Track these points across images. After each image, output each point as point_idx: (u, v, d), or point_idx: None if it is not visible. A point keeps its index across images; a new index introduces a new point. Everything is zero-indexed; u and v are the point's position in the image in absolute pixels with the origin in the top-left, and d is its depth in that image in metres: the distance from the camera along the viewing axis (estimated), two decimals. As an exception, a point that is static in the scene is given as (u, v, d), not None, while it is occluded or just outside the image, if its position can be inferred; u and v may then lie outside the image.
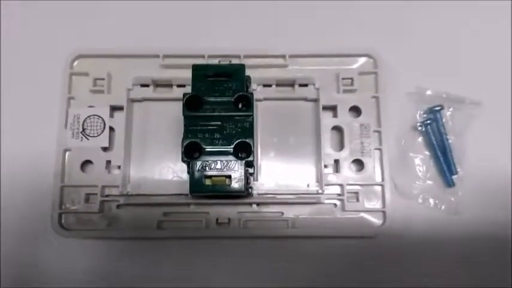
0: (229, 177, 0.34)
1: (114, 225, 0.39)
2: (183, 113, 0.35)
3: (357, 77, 0.41)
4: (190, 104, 0.35)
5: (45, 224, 0.38)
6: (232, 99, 0.35)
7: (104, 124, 0.40)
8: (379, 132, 0.40)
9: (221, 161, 0.34)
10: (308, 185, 0.40)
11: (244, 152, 0.35)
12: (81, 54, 0.41)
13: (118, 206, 0.39)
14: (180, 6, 0.43)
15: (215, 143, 0.35)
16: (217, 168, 0.34)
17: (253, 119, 0.35)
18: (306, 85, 0.41)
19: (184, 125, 0.35)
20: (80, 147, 0.39)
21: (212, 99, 0.35)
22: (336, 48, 0.42)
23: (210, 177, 0.34)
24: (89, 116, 0.40)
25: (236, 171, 0.34)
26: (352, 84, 0.41)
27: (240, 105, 0.36)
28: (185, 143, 0.34)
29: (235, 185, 0.34)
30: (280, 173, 0.40)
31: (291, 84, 0.41)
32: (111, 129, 0.40)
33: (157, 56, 0.41)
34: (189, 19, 0.43)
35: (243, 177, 0.34)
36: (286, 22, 0.43)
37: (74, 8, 0.44)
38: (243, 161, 0.34)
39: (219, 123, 0.35)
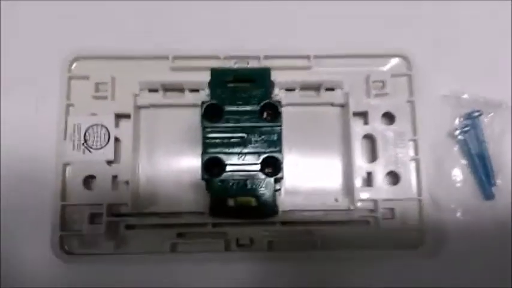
0: (256, 197, 0.29)
1: (122, 248, 0.34)
2: (202, 124, 0.29)
3: (389, 79, 0.35)
4: (210, 113, 0.30)
5: (45, 248, 0.33)
6: (258, 108, 0.29)
7: (109, 134, 0.34)
8: (414, 140, 0.35)
9: (246, 178, 0.29)
10: (337, 200, 0.34)
11: (272, 167, 0.29)
12: (80, 55, 0.35)
13: (127, 227, 0.34)
14: (191, 2, 0.37)
15: (239, 157, 0.29)
16: (242, 187, 0.29)
17: (281, 130, 0.30)
18: (332, 89, 0.36)
19: (203, 138, 0.30)
20: (82, 161, 0.34)
21: (234, 108, 0.30)
22: (365, 48, 0.36)
23: (234, 196, 0.29)
24: (91, 126, 0.34)
25: (264, 190, 0.29)
26: (383, 87, 0.35)
27: (265, 115, 0.30)
28: (205, 159, 0.29)
29: (266, 206, 0.29)
30: (305, 187, 0.35)
31: (316, 88, 0.36)
32: (117, 139, 0.34)
33: (166, 58, 0.35)
34: (202, 16, 0.37)
35: (273, 196, 0.28)
36: (310, 19, 0.38)
37: (73, 4, 0.37)
38: (272, 178, 0.29)
39: (243, 135, 0.30)
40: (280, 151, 0.29)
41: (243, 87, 0.30)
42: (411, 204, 0.35)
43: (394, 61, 0.36)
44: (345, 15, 0.38)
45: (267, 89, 0.30)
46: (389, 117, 0.36)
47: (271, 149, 0.29)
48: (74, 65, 0.36)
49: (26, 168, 0.35)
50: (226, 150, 0.29)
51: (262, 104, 0.29)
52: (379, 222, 0.34)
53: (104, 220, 0.33)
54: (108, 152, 0.34)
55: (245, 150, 0.29)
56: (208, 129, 0.29)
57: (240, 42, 0.36)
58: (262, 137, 0.29)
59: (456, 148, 0.37)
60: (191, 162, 0.35)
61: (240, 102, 0.29)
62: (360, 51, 0.36)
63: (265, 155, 0.29)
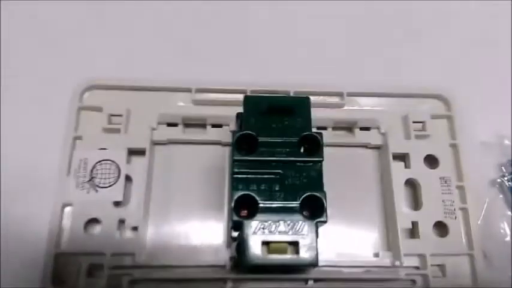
0: (296, 243, 0.24)
1: (125, 307, 0.27)
2: (233, 157, 0.25)
3: (429, 120, 0.32)
4: (242, 145, 0.25)
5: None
6: (296, 140, 0.25)
7: (119, 172, 0.29)
8: (461, 187, 0.31)
9: (284, 221, 0.24)
10: (378, 255, 0.29)
11: (313, 209, 0.25)
12: (94, 84, 0.32)
13: (131, 282, 0.28)
14: (216, 32, 0.35)
15: (274, 196, 0.25)
16: (279, 231, 0.24)
17: (322, 166, 0.26)
18: (367, 129, 0.32)
19: (233, 173, 0.25)
20: (85, 201, 0.29)
21: (270, 139, 0.26)
22: (401, 87, 0.33)
23: (268, 243, 0.24)
24: (99, 161, 0.30)
25: (305, 235, 0.24)
26: (424, 129, 0.32)
27: (302, 149, 0.26)
28: (237, 195, 0.24)
29: (306, 254, 0.24)
30: (339, 238, 0.30)
31: (349, 128, 0.33)
32: (128, 178, 0.30)
33: (188, 90, 0.32)
34: (228, 46, 0.35)
35: (315, 243, 0.24)
36: (343, 54, 0.35)
37: (88, 28, 0.35)
38: (314, 222, 0.24)
39: (279, 171, 0.25)
40: (322, 189, 0.24)
41: (280, 117, 0.26)
42: (462, 260, 0.30)
43: (433, 102, 0.33)
44: (379, 52, 0.35)
45: (308, 119, 0.26)
46: (432, 161, 0.32)
47: (312, 187, 0.24)
48: (86, 94, 0.32)
49: (20, 208, 0.29)
50: (260, 187, 0.24)
51: (302, 135, 0.25)
52: (428, 281, 0.29)
53: (106, 273, 0.27)
54: (117, 192, 0.29)
55: (282, 188, 0.24)
56: (240, 163, 0.25)
57: (268, 76, 0.33)
58: (301, 173, 0.25)
59: (501, 197, 0.33)
60: (211, 207, 0.30)
61: (276, 134, 0.25)
62: (396, 90, 0.33)
63: (305, 194, 0.24)
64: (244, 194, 0.24)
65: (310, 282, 0.29)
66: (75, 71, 0.32)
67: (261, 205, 0.24)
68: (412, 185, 0.31)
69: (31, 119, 0.32)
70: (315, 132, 0.26)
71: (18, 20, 0.35)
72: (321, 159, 0.25)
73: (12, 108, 0.32)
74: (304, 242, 0.24)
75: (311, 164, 0.25)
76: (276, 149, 0.25)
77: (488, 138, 0.34)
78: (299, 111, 0.26)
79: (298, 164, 0.25)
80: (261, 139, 0.25)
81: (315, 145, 0.26)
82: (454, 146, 0.32)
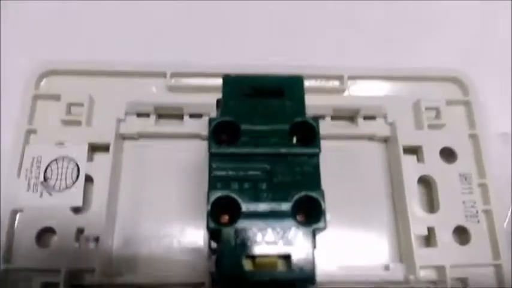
0: (287, 256, 0.19)
1: (83, 335, 0.22)
2: (210, 149, 0.20)
3: (444, 107, 0.27)
4: (221, 134, 0.21)
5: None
6: (287, 128, 0.21)
7: (78, 171, 0.25)
8: (484, 185, 0.26)
9: (273, 228, 0.19)
10: (388, 268, 0.24)
11: (308, 213, 0.20)
12: (51, 69, 0.27)
13: (92, 303, 0.23)
14: (194, 8, 0.30)
15: (261, 197, 0.20)
16: (267, 242, 0.19)
17: (318, 159, 0.21)
18: (372, 118, 0.27)
19: (211, 169, 0.20)
20: (38, 207, 0.24)
21: (254, 127, 0.21)
22: (410, 69, 0.29)
23: (253, 257, 0.19)
24: (55, 159, 0.25)
25: (298, 245, 0.19)
26: (438, 117, 0.27)
27: (294, 140, 0.21)
28: (213, 198, 0.19)
29: (300, 269, 0.19)
30: (341, 248, 0.25)
31: (351, 116, 0.28)
32: (88, 179, 0.25)
33: (163, 75, 0.27)
34: (206, 26, 0.30)
35: (312, 255, 0.19)
36: (342, 33, 0.30)
37: (47, 6, 0.30)
38: (310, 228, 0.19)
39: (267, 166, 0.20)
40: (319, 188, 0.20)
41: (266, 100, 0.21)
42: (487, 271, 0.25)
43: (447, 86, 0.29)
44: (384, 29, 0.31)
45: (301, 103, 0.21)
46: (447, 155, 0.27)
47: (308, 186, 0.20)
48: (44, 81, 0.27)
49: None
50: (243, 186, 0.20)
51: (293, 122, 0.20)
52: (449, 297, 0.24)
53: (61, 292, 0.22)
54: (75, 195, 0.24)
55: (270, 187, 0.19)
56: (219, 157, 0.20)
57: (255, 58, 0.28)
58: (293, 168, 0.20)
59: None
60: (189, 213, 0.25)
61: (263, 120, 0.20)
62: (404, 72, 0.28)
63: (299, 195, 0.19)
64: (223, 196, 0.19)
65: (309, 301, 0.23)
66: (30, 53, 0.27)
67: (244, 209, 0.19)
68: (426, 183, 0.27)
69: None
70: (309, 118, 0.21)
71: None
72: (317, 150, 0.21)
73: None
74: (298, 254, 0.19)
75: (305, 157, 0.21)
76: (262, 139, 0.21)
77: (508, 128, 0.29)
78: (290, 94, 0.21)
79: (289, 157, 0.20)
80: (243, 127, 0.21)
81: (309, 134, 0.21)
82: (473, 137, 0.27)
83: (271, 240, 0.19)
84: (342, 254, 0.25)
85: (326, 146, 0.23)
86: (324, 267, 0.24)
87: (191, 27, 0.30)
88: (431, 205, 0.26)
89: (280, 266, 0.20)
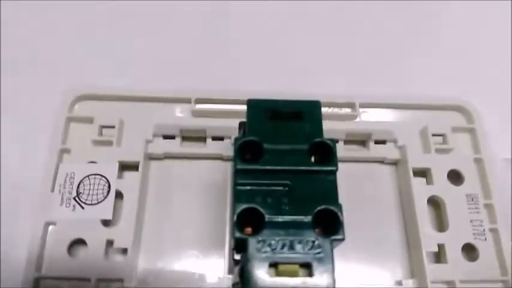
0: (308, 265, 0.20)
1: None
2: (236, 165, 0.22)
3: (450, 134, 0.29)
4: (245, 154, 0.23)
5: None
6: (306, 147, 0.23)
7: (109, 187, 0.27)
8: (490, 205, 0.28)
9: (295, 238, 0.21)
10: (400, 283, 0.26)
11: (327, 226, 0.22)
12: (85, 94, 0.29)
13: (119, 312, 0.24)
14: (218, 38, 0.33)
15: (283, 210, 0.22)
16: (289, 251, 0.21)
17: (336, 176, 0.23)
18: (383, 142, 0.30)
19: (236, 185, 0.22)
20: (71, 220, 0.26)
21: (276, 146, 0.23)
22: (417, 98, 0.31)
23: (276, 265, 0.21)
24: (87, 176, 0.27)
25: (319, 255, 0.20)
26: (445, 142, 0.29)
27: (312, 159, 0.23)
28: (239, 210, 0.21)
29: (320, 277, 0.20)
30: (356, 265, 0.27)
31: (362, 140, 0.30)
32: (119, 195, 0.27)
33: (188, 101, 0.29)
34: (230, 55, 0.33)
35: (332, 264, 0.20)
36: (354, 62, 0.33)
37: (80, 35, 0.33)
38: (330, 240, 0.21)
39: (288, 182, 0.22)
40: (337, 202, 0.21)
41: (287, 122, 0.23)
42: (495, 287, 0.26)
43: (452, 114, 0.31)
44: (394, 61, 0.33)
45: (318, 125, 0.23)
46: (455, 177, 0.29)
47: (327, 200, 0.21)
48: (76, 105, 0.29)
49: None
50: (265, 200, 0.21)
51: (312, 142, 0.22)
52: (460, 312, 0.25)
53: (90, 301, 0.24)
54: (106, 209, 0.26)
55: (291, 201, 0.21)
56: (243, 173, 0.22)
57: (274, 86, 0.30)
58: (313, 184, 0.22)
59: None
60: (211, 229, 0.27)
61: (284, 140, 0.23)
62: (412, 101, 0.31)
63: (318, 208, 0.21)
64: (248, 208, 0.21)
65: (324, 314, 0.25)
66: (65, 79, 0.30)
67: (267, 219, 0.21)
68: (435, 203, 0.28)
69: (16, 131, 0.29)
70: (327, 139, 0.23)
71: (7, 26, 0.33)
72: (335, 168, 0.22)
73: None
74: (319, 263, 0.20)
75: (324, 174, 0.22)
76: (284, 158, 0.23)
77: (508, 154, 0.31)
78: (308, 116, 0.24)
79: (309, 174, 0.22)
80: (266, 146, 0.23)
81: (327, 153, 0.23)
82: (478, 161, 0.29)
83: (293, 250, 0.21)
84: (357, 270, 0.27)
85: (340, 168, 0.24)
86: (340, 283, 0.25)
87: (215, 55, 0.33)
88: (441, 224, 0.28)
89: (301, 274, 0.21)
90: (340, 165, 0.25)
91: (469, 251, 0.27)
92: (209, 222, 0.27)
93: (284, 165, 0.23)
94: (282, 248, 0.21)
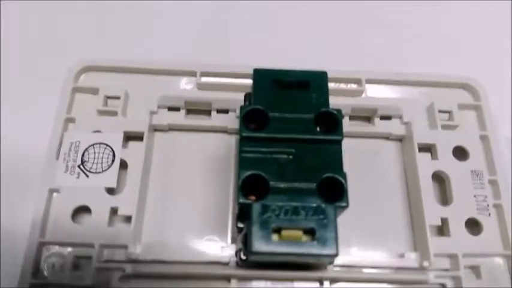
0: (311, 231, 0.21)
1: (113, 308, 0.24)
2: (241, 133, 0.22)
3: (456, 111, 0.29)
4: (251, 120, 0.23)
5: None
6: (312, 117, 0.23)
7: (113, 156, 0.27)
8: (494, 182, 0.28)
9: (299, 204, 0.21)
10: (403, 256, 0.26)
11: (331, 194, 0.22)
12: (90, 65, 0.30)
13: (122, 277, 0.25)
14: (225, 11, 0.33)
15: (287, 177, 0.22)
16: (293, 216, 0.21)
17: (341, 146, 0.23)
18: (388, 118, 0.30)
19: (241, 152, 0.22)
20: (75, 188, 0.26)
21: (282, 115, 0.23)
22: (424, 75, 0.31)
23: (279, 230, 0.21)
24: (92, 145, 0.27)
25: (324, 221, 0.21)
26: (451, 118, 0.29)
27: (318, 129, 0.24)
28: (244, 175, 0.21)
29: (324, 243, 0.20)
30: (359, 237, 0.27)
31: (368, 116, 0.30)
32: (123, 164, 0.27)
33: (193, 74, 0.29)
34: (237, 29, 0.33)
35: (335, 230, 0.20)
36: (361, 38, 0.33)
37: (86, 7, 0.33)
38: (334, 207, 0.21)
39: (293, 150, 0.22)
40: (342, 171, 0.22)
41: (293, 91, 0.23)
42: (496, 261, 0.26)
43: (459, 92, 0.31)
44: (398, 35, 0.33)
45: (325, 95, 0.23)
46: (461, 153, 0.29)
47: (332, 169, 0.22)
48: (82, 76, 0.30)
49: (4, 193, 0.27)
50: (271, 167, 0.22)
51: (319, 112, 0.23)
52: (461, 283, 0.25)
53: (93, 266, 0.24)
54: (110, 178, 0.26)
55: (296, 169, 0.22)
56: (249, 141, 0.22)
57: (281, 62, 0.30)
58: (318, 153, 0.22)
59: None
60: (215, 199, 0.27)
61: (290, 109, 0.23)
62: (418, 78, 0.31)
63: (323, 176, 0.21)
64: (252, 174, 0.22)
65: (326, 283, 0.25)
66: (71, 52, 0.30)
67: (272, 185, 0.21)
68: (439, 179, 0.29)
69: (23, 101, 0.30)
70: (333, 109, 0.23)
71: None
72: (340, 137, 0.23)
73: (4, 88, 0.30)
74: (322, 228, 0.21)
75: (329, 143, 0.23)
76: (289, 126, 0.23)
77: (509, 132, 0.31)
78: (315, 86, 0.24)
79: (314, 143, 0.22)
80: (271, 115, 0.23)
81: (332, 123, 0.23)
82: (484, 138, 0.29)
83: (297, 215, 0.21)
84: (360, 242, 0.27)
85: (345, 144, 0.25)
86: (343, 254, 0.25)
87: (220, 30, 0.33)
88: (445, 199, 0.28)
89: (305, 240, 0.21)
90: (345, 140, 0.25)
91: (473, 226, 0.27)
92: (213, 194, 0.28)
93: (289, 134, 0.23)
94: (286, 213, 0.21)
